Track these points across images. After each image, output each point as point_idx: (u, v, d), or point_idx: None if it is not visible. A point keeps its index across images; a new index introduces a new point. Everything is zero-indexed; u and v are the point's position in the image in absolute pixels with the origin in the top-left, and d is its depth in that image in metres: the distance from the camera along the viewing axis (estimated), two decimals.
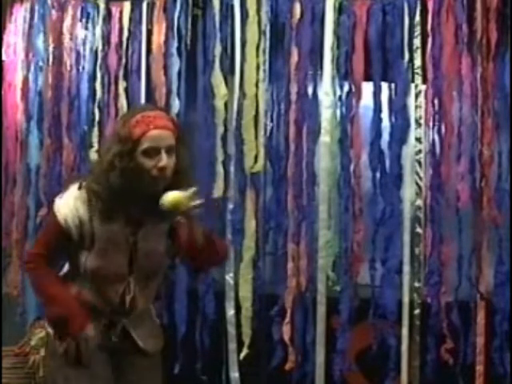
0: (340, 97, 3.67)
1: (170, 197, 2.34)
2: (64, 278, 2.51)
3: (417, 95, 3.66)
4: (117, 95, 3.98)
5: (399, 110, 3.59)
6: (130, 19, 3.98)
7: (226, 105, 3.78)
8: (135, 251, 2.45)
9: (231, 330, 3.83)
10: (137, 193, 2.40)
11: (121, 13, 4.00)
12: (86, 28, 4.07)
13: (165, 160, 2.36)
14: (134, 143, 2.36)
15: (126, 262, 2.45)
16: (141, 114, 2.40)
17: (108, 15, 4.02)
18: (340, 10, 3.67)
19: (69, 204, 2.42)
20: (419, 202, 3.65)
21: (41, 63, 4.14)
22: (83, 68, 4.06)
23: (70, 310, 2.42)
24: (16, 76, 4.24)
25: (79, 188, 2.44)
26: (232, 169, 3.79)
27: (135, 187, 2.39)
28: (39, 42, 4.14)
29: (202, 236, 2.43)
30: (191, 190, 2.36)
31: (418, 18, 3.60)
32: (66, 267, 2.54)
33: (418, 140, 3.66)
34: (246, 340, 3.77)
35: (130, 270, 2.46)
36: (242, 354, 3.77)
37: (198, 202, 2.37)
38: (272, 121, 3.74)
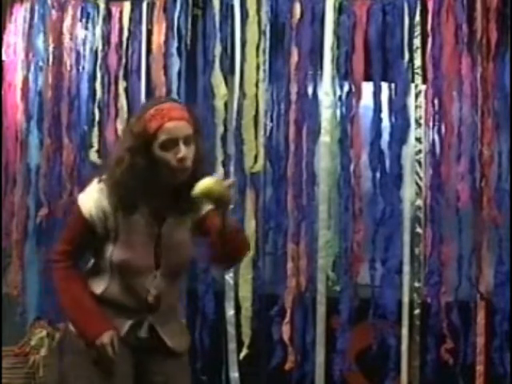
0: (340, 97, 3.67)
1: (201, 185, 2.30)
2: (89, 274, 2.48)
3: (417, 95, 3.67)
4: (117, 95, 3.98)
5: (399, 110, 3.60)
6: (130, 19, 3.98)
7: (226, 105, 3.79)
8: (160, 244, 2.44)
9: (231, 330, 3.84)
10: (158, 186, 2.39)
11: (121, 13, 4.01)
12: (86, 28, 4.07)
13: (183, 151, 2.33)
14: (150, 137, 2.34)
15: (152, 255, 2.43)
16: (154, 108, 2.37)
17: (108, 15, 4.03)
18: (340, 10, 3.67)
19: (93, 197, 2.40)
20: (419, 202, 3.65)
21: (41, 63, 4.14)
22: (83, 68, 4.06)
23: (88, 319, 2.40)
24: (16, 76, 4.23)
25: (100, 182, 2.43)
26: (232, 169, 3.79)
27: (156, 180, 2.37)
28: (39, 42, 4.14)
29: (232, 224, 2.39)
30: (217, 175, 2.34)
31: (417, 17, 3.61)
32: (91, 262, 2.51)
33: (418, 140, 3.66)
34: (246, 340, 3.77)
35: (156, 263, 2.44)
36: (242, 354, 3.77)
37: (229, 185, 2.34)
38: (272, 121, 3.75)
